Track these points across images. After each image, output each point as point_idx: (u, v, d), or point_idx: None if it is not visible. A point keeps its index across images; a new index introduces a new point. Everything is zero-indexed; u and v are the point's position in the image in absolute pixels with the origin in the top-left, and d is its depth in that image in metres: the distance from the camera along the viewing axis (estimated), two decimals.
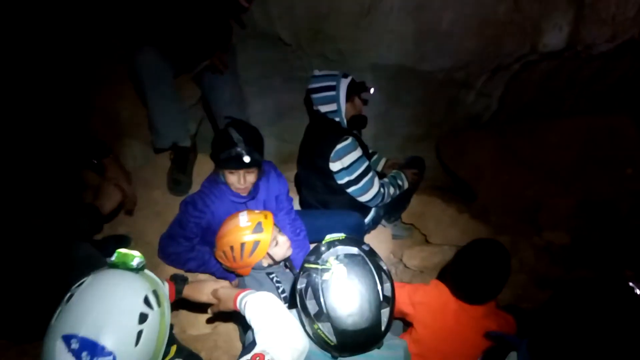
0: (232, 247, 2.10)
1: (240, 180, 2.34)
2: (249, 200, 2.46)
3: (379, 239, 3.20)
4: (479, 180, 3.45)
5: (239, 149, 2.21)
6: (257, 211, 2.21)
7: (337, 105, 2.75)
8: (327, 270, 1.48)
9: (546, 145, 3.38)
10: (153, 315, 1.25)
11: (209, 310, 1.84)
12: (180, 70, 2.85)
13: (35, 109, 2.40)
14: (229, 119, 2.38)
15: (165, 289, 1.64)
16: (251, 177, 2.37)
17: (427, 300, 2.10)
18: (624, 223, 3.12)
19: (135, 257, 1.33)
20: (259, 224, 2.10)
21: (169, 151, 2.94)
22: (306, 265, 1.56)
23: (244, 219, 2.11)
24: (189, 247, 2.41)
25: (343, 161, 2.72)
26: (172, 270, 2.42)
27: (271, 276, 2.22)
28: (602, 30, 3.07)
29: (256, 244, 2.09)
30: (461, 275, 2.05)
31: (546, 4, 3.00)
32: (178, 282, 1.83)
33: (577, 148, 3.33)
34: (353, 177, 2.75)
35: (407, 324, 2.20)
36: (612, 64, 3.32)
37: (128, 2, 2.65)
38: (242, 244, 2.08)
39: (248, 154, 2.22)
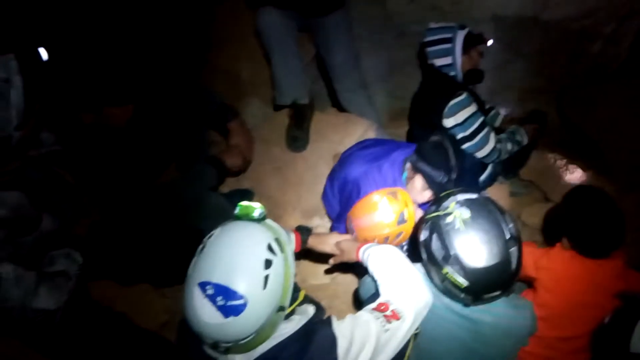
0: (374, 239, 2.03)
1: (424, 195, 2.22)
2: None
3: (496, 196, 3.07)
4: (606, 136, 3.21)
5: (451, 175, 2.12)
6: (396, 197, 2.03)
7: (452, 58, 2.67)
8: (450, 214, 1.49)
9: None
10: (277, 260, 1.32)
11: (331, 261, 1.92)
12: (301, 28, 2.90)
13: (161, 71, 2.58)
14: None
15: (289, 237, 1.73)
16: None
17: (553, 266, 2.05)
18: None
19: (257, 208, 1.41)
20: (402, 214, 1.98)
21: (287, 109, 3.04)
22: (427, 216, 1.58)
23: (387, 213, 1.98)
24: None
25: (457, 117, 2.65)
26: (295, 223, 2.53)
27: None
28: None
29: (400, 234, 2.03)
30: (580, 226, 1.99)
31: None
32: (303, 232, 1.93)
33: None
34: (467, 133, 2.68)
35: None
36: None
37: None
38: (386, 237, 2.02)
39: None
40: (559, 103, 3.52)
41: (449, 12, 3.16)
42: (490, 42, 2.81)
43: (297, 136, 2.93)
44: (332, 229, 2.53)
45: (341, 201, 2.51)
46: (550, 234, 2.72)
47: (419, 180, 2.19)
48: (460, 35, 2.66)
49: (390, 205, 2.00)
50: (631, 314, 1.69)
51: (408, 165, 2.27)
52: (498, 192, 3.10)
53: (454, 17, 3.08)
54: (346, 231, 2.17)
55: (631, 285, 1.97)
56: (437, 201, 1.61)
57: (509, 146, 2.81)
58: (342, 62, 2.96)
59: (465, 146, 2.73)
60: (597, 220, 1.96)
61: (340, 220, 2.40)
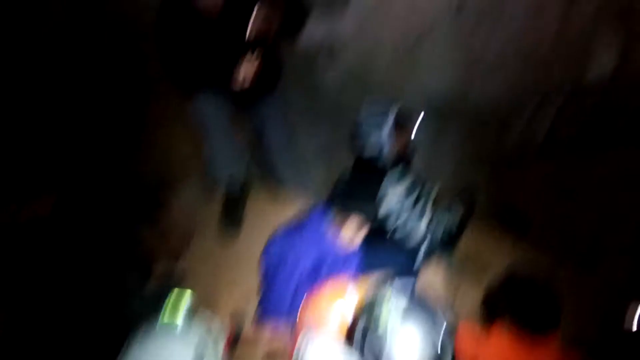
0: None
1: (360, 234, 2.27)
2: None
3: (433, 274, 3.14)
4: (532, 211, 3.35)
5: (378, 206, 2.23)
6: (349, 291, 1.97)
7: (384, 138, 2.75)
8: (382, 326, 1.49)
9: (599, 179, 3.26)
10: None
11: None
12: (235, 110, 2.94)
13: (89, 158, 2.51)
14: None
15: (220, 335, 1.66)
16: None
17: (492, 352, 2.03)
18: None
19: (181, 314, 1.36)
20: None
21: (222, 188, 3.02)
22: (361, 314, 1.57)
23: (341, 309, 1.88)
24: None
25: (390, 196, 2.70)
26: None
27: None
28: None
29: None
30: (518, 304, 2.00)
31: (592, 36, 2.96)
32: (238, 322, 1.86)
33: (632, 181, 3.19)
34: (402, 212, 2.73)
35: None
36: None
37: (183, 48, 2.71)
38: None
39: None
40: (490, 176, 3.66)
41: (383, 91, 3.29)
42: (420, 118, 2.89)
43: (233, 216, 2.89)
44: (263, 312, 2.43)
45: (270, 281, 2.45)
46: (488, 312, 2.73)
47: (353, 222, 2.19)
48: (391, 116, 2.76)
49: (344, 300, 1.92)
50: None
51: (333, 213, 2.25)
52: (434, 270, 3.12)
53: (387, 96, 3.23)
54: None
55: None
56: (370, 306, 1.59)
57: (443, 225, 2.86)
58: (278, 139, 3.00)
59: (400, 224, 2.76)
60: (534, 297, 1.99)
61: (270, 301, 2.32)
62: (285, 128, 3.05)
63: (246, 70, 2.43)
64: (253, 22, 2.36)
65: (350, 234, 2.20)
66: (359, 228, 2.20)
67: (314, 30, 3.07)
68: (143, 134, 3.11)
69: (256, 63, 2.45)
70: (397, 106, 2.79)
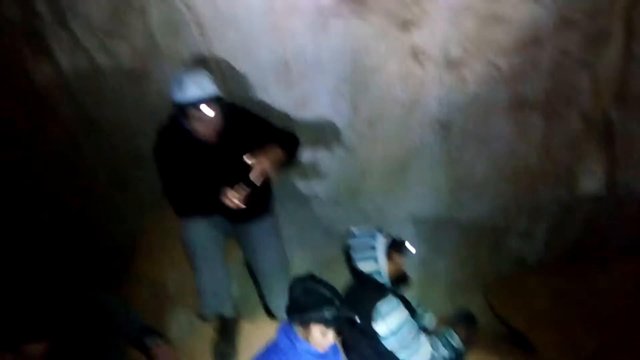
0: None
1: (328, 337, 2.28)
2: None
3: None
4: (535, 329, 3.27)
5: (335, 306, 2.21)
6: None
7: (377, 264, 2.75)
8: None
9: (600, 290, 3.23)
10: None
11: None
12: (228, 234, 2.92)
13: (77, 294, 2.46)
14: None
15: None
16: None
17: None
18: None
19: None
20: None
21: (214, 321, 2.94)
22: None
23: None
24: None
25: (388, 323, 2.64)
26: None
27: None
28: (638, 172, 3.07)
29: None
30: None
31: (577, 152, 3.06)
32: None
33: (632, 291, 3.16)
34: (401, 339, 2.65)
35: None
36: None
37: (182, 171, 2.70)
38: None
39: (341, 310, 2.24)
40: (485, 297, 3.62)
41: (372, 213, 3.32)
42: (412, 251, 2.92)
43: (224, 351, 2.78)
44: None
45: None
46: None
47: (314, 329, 2.21)
48: (383, 243, 2.76)
49: None
50: None
51: (295, 326, 2.29)
52: None
53: (376, 219, 3.25)
54: None
55: None
56: None
57: (445, 351, 2.78)
58: (270, 267, 2.94)
59: (400, 354, 2.67)
60: None
61: None
62: (280, 253, 3.02)
63: (239, 192, 2.46)
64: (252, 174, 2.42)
65: (319, 342, 2.26)
66: (324, 334, 2.26)
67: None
68: (135, 263, 3.06)
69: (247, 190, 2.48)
70: (385, 232, 2.83)
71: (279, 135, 2.70)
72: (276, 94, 2.98)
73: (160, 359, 2.31)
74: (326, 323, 2.23)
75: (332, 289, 2.31)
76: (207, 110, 2.44)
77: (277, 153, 2.56)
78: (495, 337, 3.46)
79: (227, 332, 2.85)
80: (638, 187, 3.12)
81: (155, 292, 2.98)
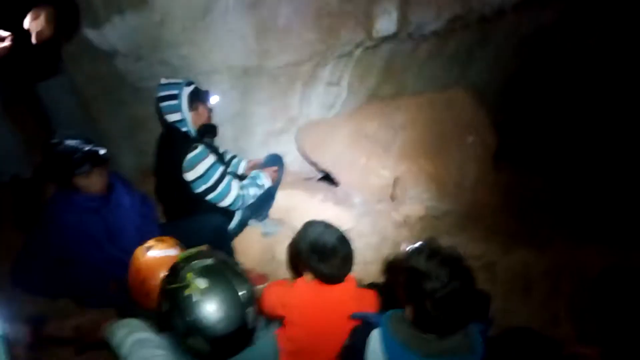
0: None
1: (98, 178, 2.40)
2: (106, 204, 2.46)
3: (251, 239, 3.22)
4: (338, 167, 3.57)
5: (87, 148, 2.28)
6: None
7: (181, 114, 2.72)
8: (188, 286, 1.48)
9: (395, 125, 3.57)
10: None
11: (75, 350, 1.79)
12: (10, 99, 2.66)
13: None
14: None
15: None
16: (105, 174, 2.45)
17: (296, 300, 2.15)
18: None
19: None
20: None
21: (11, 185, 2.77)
22: (167, 287, 1.54)
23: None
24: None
25: (196, 170, 2.70)
26: None
27: None
28: (427, 11, 3.28)
29: None
30: (312, 252, 2.13)
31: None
32: (35, 323, 1.74)
33: (422, 124, 3.55)
34: (209, 184, 2.74)
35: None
36: (442, 42, 3.57)
37: None
38: None
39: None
40: (296, 141, 3.80)
41: (179, 66, 3.19)
42: (215, 100, 2.91)
43: (26, 213, 2.66)
44: None
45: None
46: (294, 267, 2.90)
47: (78, 180, 2.35)
48: (185, 92, 2.72)
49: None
50: (363, 332, 1.85)
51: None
52: (252, 235, 3.21)
53: (185, 71, 3.13)
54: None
55: (363, 305, 2.15)
56: (174, 271, 1.58)
57: (253, 191, 2.93)
58: (67, 124, 2.78)
59: (209, 197, 2.78)
60: (325, 246, 2.11)
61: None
62: (74, 109, 2.84)
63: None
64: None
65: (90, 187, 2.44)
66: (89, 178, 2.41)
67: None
68: None
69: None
70: (192, 84, 2.81)
71: None
72: None
73: None
74: (82, 169, 2.34)
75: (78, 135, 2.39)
76: None
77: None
78: (305, 177, 3.73)
79: (24, 194, 2.71)
80: (428, 25, 3.36)
81: None
